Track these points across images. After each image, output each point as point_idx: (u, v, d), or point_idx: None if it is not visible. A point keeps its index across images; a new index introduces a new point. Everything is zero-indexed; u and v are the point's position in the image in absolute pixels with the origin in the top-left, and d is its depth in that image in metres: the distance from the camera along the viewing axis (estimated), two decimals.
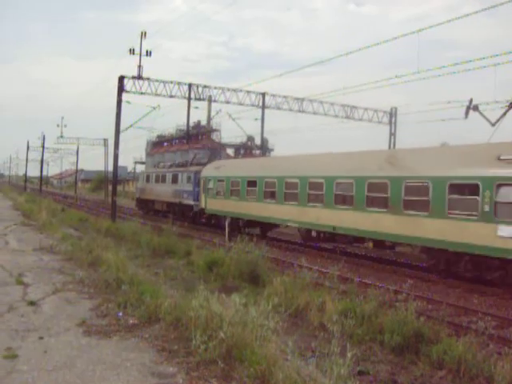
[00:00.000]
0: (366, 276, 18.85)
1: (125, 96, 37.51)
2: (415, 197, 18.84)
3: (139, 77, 37.12)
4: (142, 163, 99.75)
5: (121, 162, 43.50)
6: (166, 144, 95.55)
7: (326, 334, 9.96)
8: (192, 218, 38.91)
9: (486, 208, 16.23)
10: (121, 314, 10.70)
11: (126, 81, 37.83)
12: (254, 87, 47.81)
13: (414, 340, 9.96)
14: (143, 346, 8.81)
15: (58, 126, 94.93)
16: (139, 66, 36.20)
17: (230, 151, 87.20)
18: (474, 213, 16.63)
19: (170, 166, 47.77)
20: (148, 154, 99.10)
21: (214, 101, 49.31)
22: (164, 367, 7.84)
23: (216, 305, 8.71)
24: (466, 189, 17.23)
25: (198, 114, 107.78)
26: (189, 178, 39.70)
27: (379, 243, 22.73)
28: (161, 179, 46.52)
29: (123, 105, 36.89)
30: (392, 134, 54.30)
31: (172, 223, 26.11)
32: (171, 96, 44.53)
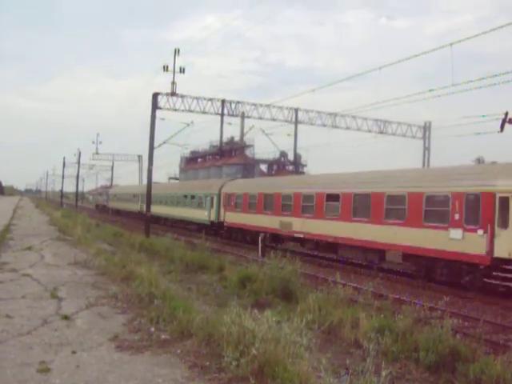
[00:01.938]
0: (401, 292, 18.59)
1: (159, 113, 37.95)
2: None
3: (173, 93, 37.43)
4: (176, 179, 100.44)
5: (155, 178, 43.89)
6: (199, 160, 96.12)
7: (360, 351, 9.82)
8: (106, 210, 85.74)
9: None
10: (153, 329, 10.69)
11: (159, 98, 38.29)
12: (287, 103, 47.76)
13: (450, 358, 9.73)
14: (175, 361, 8.77)
15: (93, 142, 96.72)
16: (173, 83, 36.48)
17: (263, 167, 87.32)
18: None
19: (103, 188, 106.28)
20: (182, 170, 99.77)
21: (247, 116, 49.79)
22: (196, 383, 7.78)
23: (248, 321, 8.63)
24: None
25: (231, 130, 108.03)
26: (105, 194, 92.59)
27: None
28: (99, 194, 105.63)
29: (157, 121, 37.25)
30: (426, 149, 53.83)
31: (205, 239, 26.11)
32: (204, 112, 45.00)
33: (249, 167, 78.35)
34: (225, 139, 78.94)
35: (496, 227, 18.09)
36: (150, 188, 38.05)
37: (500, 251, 17.88)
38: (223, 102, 46.34)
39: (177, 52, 35.68)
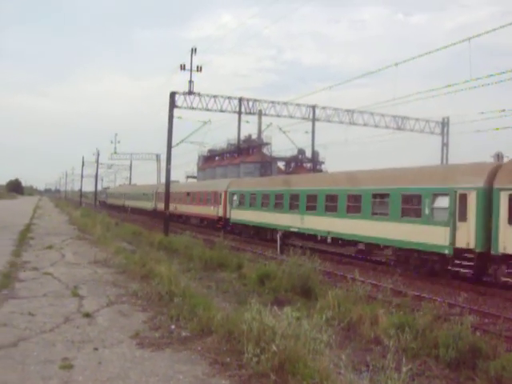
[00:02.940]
0: (420, 289, 18.53)
1: (176, 111, 38.06)
2: None
3: (190, 92, 37.54)
4: (194, 177, 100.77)
5: (173, 177, 44.20)
6: (217, 158, 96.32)
7: (380, 347, 9.83)
8: (105, 205, 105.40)
9: None
10: (173, 326, 10.77)
11: (177, 96, 38.37)
12: (304, 100, 48.01)
13: (471, 355, 9.70)
14: (196, 358, 8.83)
15: (111, 142, 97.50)
16: (190, 82, 36.62)
17: (281, 164, 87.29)
18: None
19: (104, 189, 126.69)
20: (199, 169, 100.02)
21: (265, 114, 49.57)
22: (216, 380, 7.83)
23: (268, 318, 8.67)
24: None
25: (249, 128, 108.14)
26: (104, 193, 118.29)
27: None
28: (101, 193, 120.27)
29: (175, 120, 37.39)
30: (444, 145, 53.46)
31: (223, 237, 26.27)
32: (222, 111, 44.99)
33: (266, 165, 78.41)
34: (242, 137, 79.05)
35: (226, 206, 42.48)
36: (169, 187, 38.23)
37: (223, 214, 42.77)
38: (240, 100, 46.33)
39: (194, 51, 35.81)
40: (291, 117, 48.57)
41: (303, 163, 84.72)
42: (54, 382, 7.46)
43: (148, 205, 70.53)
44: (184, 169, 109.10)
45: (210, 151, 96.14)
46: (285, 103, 47.66)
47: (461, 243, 19.71)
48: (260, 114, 53.74)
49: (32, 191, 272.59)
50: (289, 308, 9.25)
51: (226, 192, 42.56)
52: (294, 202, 31.37)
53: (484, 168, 20.02)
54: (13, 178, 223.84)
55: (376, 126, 51.00)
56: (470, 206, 19.56)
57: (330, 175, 36.54)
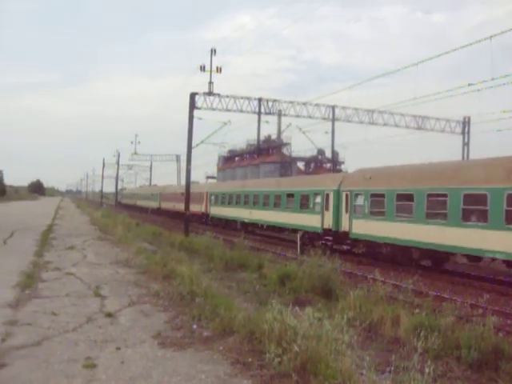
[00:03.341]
0: (442, 290, 18.40)
1: (196, 112, 38.09)
2: None
3: (210, 93, 37.57)
4: (214, 178, 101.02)
5: (193, 177, 44.38)
6: (237, 159, 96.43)
7: (402, 348, 9.78)
8: (121, 204, 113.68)
9: None
10: (195, 326, 10.82)
11: (197, 97, 38.43)
12: (324, 100, 47.92)
13: (493, 356, 9.61)
14: (217, 358, 8.86)
15: (131, 143, 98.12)
16: (210, 83, 36.65)
17: (301, 165, 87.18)
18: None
19: (120, 190, 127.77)
20: (219, 169, 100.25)
21: (284, 115, 49.52)
22: (238, 380, 7.85)
23: (290, 318, 8.67)
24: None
25: (268, 129, 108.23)
26: (120, 194, 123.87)
27: None
28: (118, 194, 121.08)
29: (195, 121, 37.45)
30: (465, 144, 53.01)
31: (244, 237, 26.35)
32: (241, 111, 45.06)
33: (286, 165, 78.43)
34: (262, 137, 79.14)
35: (207, 204, 52.54)
36: (189, 188, 38.28)
37: (205, 210, 53.00)
38: (260, 100, 46.36)
39: (213, 52, 35.84)
40: (311, 117, 48.53)
41: (323, 163, 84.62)
42: (77, 381, 7.55)
43: (154, 204, 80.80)
44: (204, 169, 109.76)
45: (229, 152, 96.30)
46: (304, 103, 47.63)
47: (326, 225, 29.90)
48: (279, 114, 53.79)
49: (53, 192, 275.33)
50: (310, 308, 9.24)
51: (207, 193, 53.86)
52: (246, 200, 42.99)
53: (339, 177, 31.48)
54: (34, 180, 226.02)
55: (396, 126, 50.79)
56: (330, 201, 29.62)
57: (267, 180, 52.26)
